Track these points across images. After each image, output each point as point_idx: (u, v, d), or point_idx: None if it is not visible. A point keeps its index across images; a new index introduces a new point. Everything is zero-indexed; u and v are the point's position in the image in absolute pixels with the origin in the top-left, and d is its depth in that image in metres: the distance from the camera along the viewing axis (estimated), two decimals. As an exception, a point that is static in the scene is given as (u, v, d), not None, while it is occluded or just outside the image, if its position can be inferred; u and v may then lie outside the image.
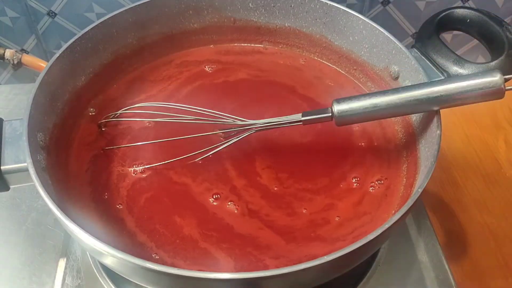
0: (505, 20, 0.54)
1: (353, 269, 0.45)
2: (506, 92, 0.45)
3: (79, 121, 0.57)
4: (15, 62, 0.74)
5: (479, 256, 0.61)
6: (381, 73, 0.59)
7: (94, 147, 0.55)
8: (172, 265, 0.45)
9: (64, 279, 0.53)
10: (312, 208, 0.50)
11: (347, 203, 0.50)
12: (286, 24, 0.66)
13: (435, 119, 0.49)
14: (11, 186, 0.47)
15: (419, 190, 0.43)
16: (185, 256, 0.46)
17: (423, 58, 0.54)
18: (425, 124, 0.51)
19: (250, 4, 0.65)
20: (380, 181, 0.53)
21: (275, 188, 0.51)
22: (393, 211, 0.50)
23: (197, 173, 0.52)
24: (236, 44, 0.69)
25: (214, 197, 0.50)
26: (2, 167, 0.45)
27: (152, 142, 0.55)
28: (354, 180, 0.52)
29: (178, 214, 0.49)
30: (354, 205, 0.50)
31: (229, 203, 0.50)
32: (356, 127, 0.57)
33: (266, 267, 0.45)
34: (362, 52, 0.61)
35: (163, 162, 0.53)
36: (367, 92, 0.62)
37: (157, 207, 0.50)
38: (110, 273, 0.53)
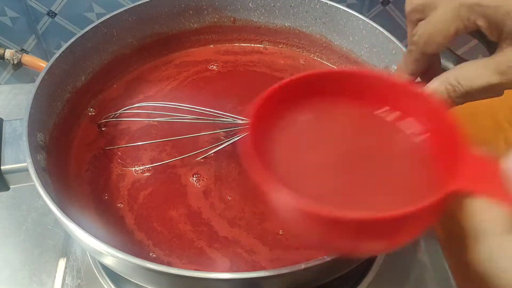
0: (505, 20, 0.54)
1: (353, 269, 0.44)
2: (506, 92, 0.45)
3: (79, 121, 0.57)
4: (15, 62, 0.74)
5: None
6: (381, 73, 0.59)
7: (94, 147, 0.55)
8: (169, 264, 0.45)
9: (64, 279, 0.53)
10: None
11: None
12: (286, 24, 0.66)
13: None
14: (11, 186, 0.47)
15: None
16: (180, 254, 0.46)
17: (423, 58, 0.54)
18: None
19: (250, 4, 0.65)
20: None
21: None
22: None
23: (198, 172, 0.52)
24: (236, 44, 0.69)
25: (213, 196, 0.50)
26: (2, 167, 0.45)
27: (152, 142, 0.55)
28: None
29: (175, 212, 0.49)
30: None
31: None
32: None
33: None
34: (362, 52, 0.61)
35: (164, 162, 0.53)
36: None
37: (155, 206, 0.50)
38: (110, 273, 0.53)
